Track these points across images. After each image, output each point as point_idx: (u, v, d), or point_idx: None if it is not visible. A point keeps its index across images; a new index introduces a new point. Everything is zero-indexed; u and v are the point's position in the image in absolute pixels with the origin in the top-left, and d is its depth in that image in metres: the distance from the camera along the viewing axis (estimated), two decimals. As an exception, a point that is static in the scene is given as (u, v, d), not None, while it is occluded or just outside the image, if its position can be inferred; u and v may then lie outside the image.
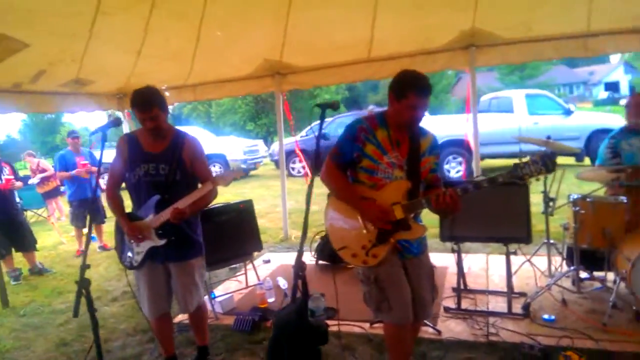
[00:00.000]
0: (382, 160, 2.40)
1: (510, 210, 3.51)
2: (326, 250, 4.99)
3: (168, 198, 2.70)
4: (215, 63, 5.37)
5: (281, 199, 6.56)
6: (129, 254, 2.78)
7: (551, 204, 3.85)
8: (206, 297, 3.13)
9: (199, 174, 2.84)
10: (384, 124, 2.44)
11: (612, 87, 43.34)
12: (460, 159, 9.89)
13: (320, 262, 5.11)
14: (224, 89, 5.98)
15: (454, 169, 10.08)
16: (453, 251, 3.80)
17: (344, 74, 5.66)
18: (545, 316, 3.39)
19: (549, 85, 30.11)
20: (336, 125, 13.30)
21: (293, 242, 6.30)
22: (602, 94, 40.88)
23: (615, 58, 45.93)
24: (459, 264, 3.72)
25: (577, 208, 3.53)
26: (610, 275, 3.71)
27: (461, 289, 3.79)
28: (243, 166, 13.09)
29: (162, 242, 2.70)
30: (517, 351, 2.99)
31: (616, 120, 10.65)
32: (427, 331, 3.33)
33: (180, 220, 2.63)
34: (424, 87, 2.30)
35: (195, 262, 2.89)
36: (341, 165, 2.48)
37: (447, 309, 3.67)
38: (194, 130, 14.75)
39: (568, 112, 10.22)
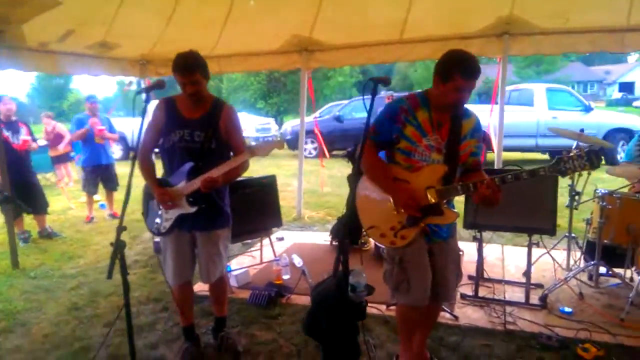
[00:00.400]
0: (421, 142, 2.34)
1: (537, 201, 3.49)
2: (341, 232, 5.00)
3: (202, 166, 2.69)
4: (244, 35, 5.30)
5: (295, 178, 6.58)
6: (157, 220, 2.78)
7: (577, 197, 3.83)
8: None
9: (234, 143, 2.82)
10: (425, 105, 2.36)
11: (627, 87, 42.92)
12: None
13: (335, 243, 5.13)
14: (249, 63, 5.91)
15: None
16: (474, 239, 3.81)
17: (373, 54, 5.60)
18: (563, 308, 3.41)
19: (564, 82, 29.85)
20: (351, 108, 13.23)
21: (306, 221, 6.32)
22: (616, 94, 40.44)
23: (632, 58, 45.30)
24: (480, 252, 3.72)
25: (604, 203, 3.51)
26: (629, 273, 3.72)
27: (479, 277, 3.80)
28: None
29: (193, 209, 2.70)
30: (535, 340, 3.02)
31: (633, 120, 10.56)
32: (444, 316, 3.33)
33: (211, 189, 2.63)
34: (472, 68, 2.20)
35: (222, 233, 2.89)
36: (378, 144, 2.42)
37: (464, 296, 3.67)
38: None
39: (588, 109, 10.12)
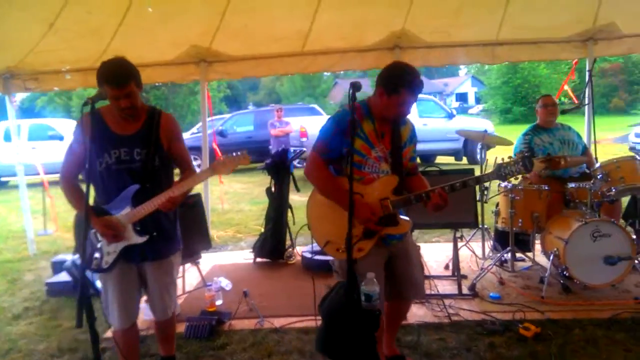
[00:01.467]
0: (370, 154, 2.37)
1: (459, 198, 3.77)
2: (266, 246, 4.85)
3: (149, 188, 2.37)
4: (137, 44, 4.83)
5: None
6: (96, 254, 2.36)
7: (486, 192, 4.24)
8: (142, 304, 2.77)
9: (179, 157, 2.54)
10: (369, 115, 2.38)
11: (462, 98, 49.65)
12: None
13: (259, 259, 4.94)
14: (142, 75, 5.38)
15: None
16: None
17: (275, 66, 5.53)
18: (492, 294, 3.73)
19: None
20: (233, 122, 12.98)
21: (217, 241, 5.96)
22: (454, 103, 46.23)
23: (463, 71, 52.53)
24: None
25: (513, 195, 3.95)
26: (531, 255, 4.23)
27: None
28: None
29: (143, 239, 2.36)
30: (481, 327, 3.25)
31: (485, 124, 12.17)
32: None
33: (171, 210, 2.34)
34: (418, 84, 2.29)
35: (174, 259, 2.59)
36: (329, 162, 2.40)
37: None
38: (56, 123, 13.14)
39: (451, 116, 11.40)
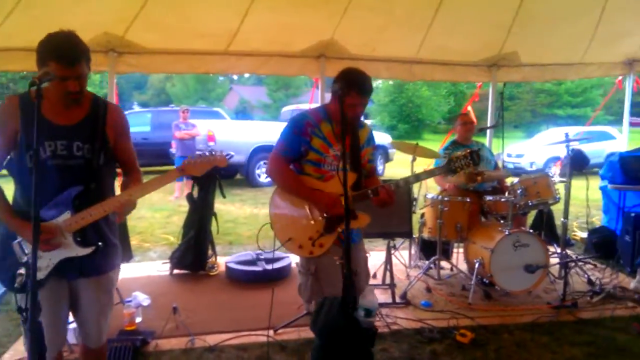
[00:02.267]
0: (329, 153, 2.48)
1: (396, 209, 3.84)
2: (187, 257, 4.46)
3: (94, 188, 2.00)
4: (35, 26, 4.09)
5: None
6: (21, 270, 1.91)
7: (414, 203, 4.38)
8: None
9: (124, 155, 2.18)
10: (327, 118, 2.51)
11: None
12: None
13: (177, 271, 4.53)
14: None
15: (264, 174, 10.32)
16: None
17: (196, 63, 5.17)
18: (424, 302, 3.84)
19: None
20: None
21: (121, 251, 5.35)
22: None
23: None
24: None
25: (442, 206, 4.12)
26: (453, 263, 4.47)
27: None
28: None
29: (87, 251, 1.98)
30: (420, 336, 3.32)
31: (384, 137, 12.75)
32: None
33: (122, 217, 2.00)
34: (367, 87, 2.42)
35: (114, 274, 2.22)
36: (289, 159, 2.52)
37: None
38: None
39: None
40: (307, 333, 3.31)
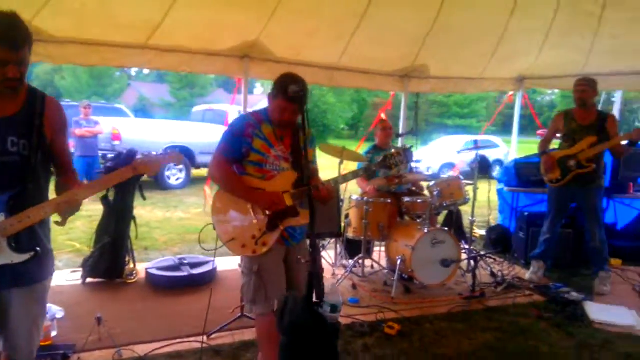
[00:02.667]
0: (270, 153, 2.53)
1: (326, 210, 3.97)
2: (102, 264, 4.16)
3: (32, 189, 1.83)
4: None
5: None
6: None
7: (341, 204, 4.54)
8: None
9: (61, 154, 2.02)
10: (268, 120, 2.56)
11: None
12: (181, 166, 9.81)
13: (91, 279, 4.20)
14: None
15: (174, 176, 9.91)
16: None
17: (111, 56, 4.82)
18: (351, 299, 4.00)
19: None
20: None
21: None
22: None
23: (260, 90, 54.83)
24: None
25: (367, 207, 4.33)
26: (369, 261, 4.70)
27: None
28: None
29: (24, 257, 1.81)
30: (352, 331, 3.46)
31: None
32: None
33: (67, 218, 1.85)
34: (294, 94, 2.37)
35: (48, 283, 2.04)
36: (230, 160, 2.55)
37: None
38: None
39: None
40: (242, 336, 3.33)
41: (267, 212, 2.49)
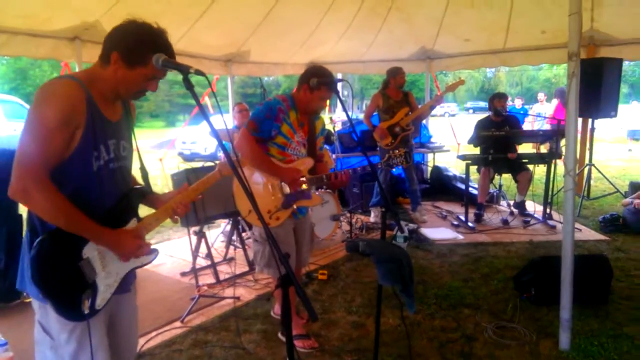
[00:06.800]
0: (294, 138, 2.86)
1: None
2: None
3: (147, 191, 1.89)
4: None
5: None
6: (86, 292, 1.59)
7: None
8: None
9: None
10: (294, 107, 2.86)
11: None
12: None
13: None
14: None
15: None
16: (195, 234, 4.10)
17: None
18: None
19: None
20: None
21: None
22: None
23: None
24: (206, 242, 4.10)
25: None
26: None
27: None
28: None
29: (150, 258, 1.82)
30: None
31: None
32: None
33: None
34: (334, 83, 2.82)
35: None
36: (259, 140, 2.79)
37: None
38: None
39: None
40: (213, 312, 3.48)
41: (289, 191, 2.81)
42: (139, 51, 1.57)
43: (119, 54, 1.56)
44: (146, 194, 1.87)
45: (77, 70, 5.08)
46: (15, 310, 3.59)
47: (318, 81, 2.75)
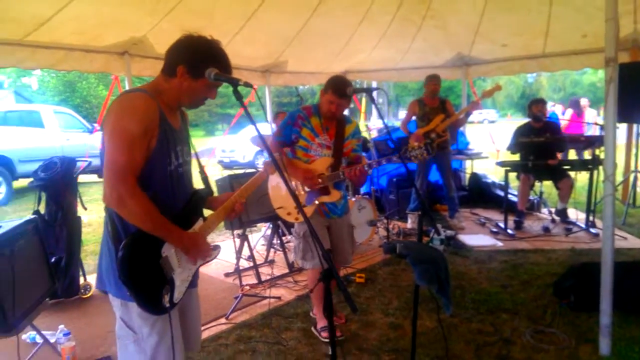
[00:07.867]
0: (315, 141, 3.12)
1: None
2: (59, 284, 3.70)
3: (209, 192, 2.07)
4: None
5: None
6: (166, 287, 1.75)
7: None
8: None
9: None
10: (317, 113, 3.15)
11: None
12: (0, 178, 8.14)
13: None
14: None
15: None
16: (238, 237, 4.29)
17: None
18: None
19: None
20: None
21: None
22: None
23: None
24: (248, 245, 4.28)
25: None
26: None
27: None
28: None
29: (217, 253, 1.98)
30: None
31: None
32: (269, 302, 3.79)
33: None
34: (342, 89, 2.97)
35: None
36: (282, 144, 3.17)
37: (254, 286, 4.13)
38: None
39: (91, 131, 10.64)
40: (255, 310, 3.63)
41: (307, 189, 3.10)
42: (203, 65, 1.72)
43: (185, 68, 1.72)
44: (207, 196, 2.03)
45: (125, 82, 5.44)
46: (75, 304, 3.89)
47: (326, 86, 3.04)
